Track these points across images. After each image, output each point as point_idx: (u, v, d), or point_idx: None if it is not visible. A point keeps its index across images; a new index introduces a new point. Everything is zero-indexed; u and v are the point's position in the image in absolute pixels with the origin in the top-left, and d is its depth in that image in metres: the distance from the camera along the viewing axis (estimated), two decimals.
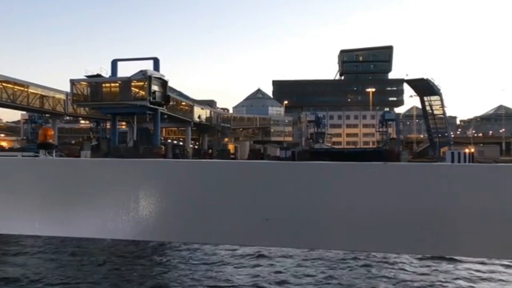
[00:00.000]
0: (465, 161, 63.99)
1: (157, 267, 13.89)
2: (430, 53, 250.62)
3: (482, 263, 13.22)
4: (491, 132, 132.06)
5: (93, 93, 53.08)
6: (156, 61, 55.57)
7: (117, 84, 52.91)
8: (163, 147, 55.34)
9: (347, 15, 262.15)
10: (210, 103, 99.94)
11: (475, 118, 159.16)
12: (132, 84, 52.53)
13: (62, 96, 57.37)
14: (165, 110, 57.67)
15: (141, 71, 51.74)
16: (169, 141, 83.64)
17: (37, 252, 15.07)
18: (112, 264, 13.80)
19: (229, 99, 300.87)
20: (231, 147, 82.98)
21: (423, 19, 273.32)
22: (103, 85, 53.03)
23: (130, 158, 1.84)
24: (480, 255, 1.57)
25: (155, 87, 52.72)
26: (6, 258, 14.27)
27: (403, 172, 1.50)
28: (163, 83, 54.81)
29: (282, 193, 1.53)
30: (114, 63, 55.58)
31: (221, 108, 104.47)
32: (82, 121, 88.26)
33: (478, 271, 13.02)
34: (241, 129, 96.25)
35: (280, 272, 12.92)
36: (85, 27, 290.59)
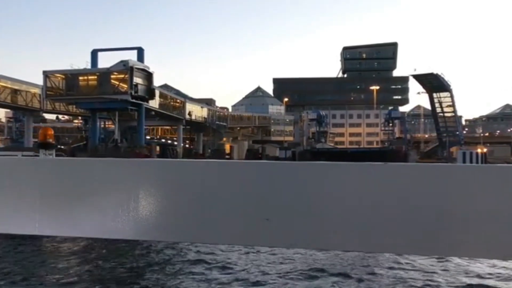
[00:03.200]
0: (477, 162, 58.83)
1: (156, 266, 13.92)
2: (435, 51, 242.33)
3: (482, 263, 13.22)
4: (498, 131, 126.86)
5: (69, 86, 46.54)
6: (140, 51, 49.03)
7: (95, 76, 46.41)
8: (147, 146, 48.73)
9: (350, 11, 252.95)
10: (209, 102, 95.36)
11: (481, 118, 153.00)
12: (112, 76, 46.02)
13: (38, 91, 50.79)
14: (152, 106, 51.20)
15: (121, 61, 45.23)
16: (163, 140, 77.90)
17: None
18: (110, 263, 13.95)
19: (229, 98, 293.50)
20: (227, 147, 76.93)
21: (428, 15, 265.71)
22: (80, 77, 46.55)
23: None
24: (480, 255, 1.58)
25: (138, 80, 46.16)
26: None
27: (404, 172, 1.50)
28: (148, 75, 48.25)
29: (282, 193, 1.53)
30: (94, 54, 49.06)
31: (221, 107, 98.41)
32: (76, 120, 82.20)
33: (478, 270, 13.09)
34: (238, 128, 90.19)
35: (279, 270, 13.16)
36: (80, 23, 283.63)
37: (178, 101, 63.87)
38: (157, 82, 72.78)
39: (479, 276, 12.95)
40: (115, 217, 1.62)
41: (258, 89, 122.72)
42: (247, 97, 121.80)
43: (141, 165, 1.69)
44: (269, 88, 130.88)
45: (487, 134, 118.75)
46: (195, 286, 12.30)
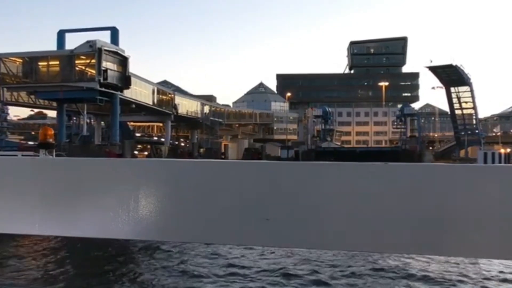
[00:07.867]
0: (500, 163, 51.38)
1: (156, 266, 13.65)
2: (446, 47, 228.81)
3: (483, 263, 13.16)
4: (511, 131, 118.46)
5: (27, 72, 38.10)
6: (114, 32, 40.44)
7: (57, 61, 37.82)
8: (120, 144, 40.05)
9: (358, 3, 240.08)
10: (209, 98, 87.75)
11: (492, 117, 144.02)
12: (77, 60, 37.43)
13: None
14: (132, 97, 42.59)
15: (87, 41, 36.64)
16: (155, 138, 69.97)
17: None
18: (110, 263, 13.72)
19: (231, 95, 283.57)
20: (223, 145, 68.53)
21: (438, 9, 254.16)
22: (39, 62, 37.98)
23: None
24: (481, 255, 1.56)
25: (108, 64, 37.57)
26: None
27: (405, 173, 1.49)
28: (122, 60, 39.61)
29: (282, 193, 1.52)
30: (60, 35, 40.51)
31: (223, 104, 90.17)
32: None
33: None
34: (237, 126, 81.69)
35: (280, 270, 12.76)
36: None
37: (167, 94, 55.37)
38: (156, 78, 64.63)
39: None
40: (115, 217, 1.57)
41: (261, 85, 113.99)
42: (249, 93, 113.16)
43: (141, 165, 1.67)
44: (272, 84, 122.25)
45: (499, 133, 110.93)
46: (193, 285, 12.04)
